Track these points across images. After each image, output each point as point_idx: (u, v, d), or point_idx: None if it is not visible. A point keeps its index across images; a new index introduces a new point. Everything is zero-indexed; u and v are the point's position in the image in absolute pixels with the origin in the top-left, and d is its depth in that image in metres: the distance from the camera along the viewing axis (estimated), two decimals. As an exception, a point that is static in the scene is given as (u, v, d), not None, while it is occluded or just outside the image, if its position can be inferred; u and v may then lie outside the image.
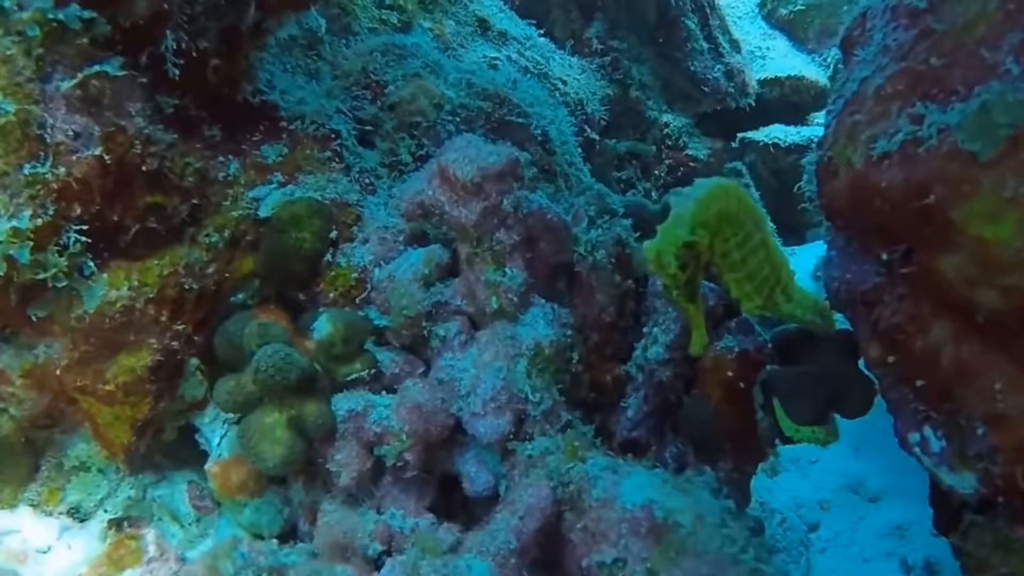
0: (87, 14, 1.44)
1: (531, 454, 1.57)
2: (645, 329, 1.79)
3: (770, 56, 4.69)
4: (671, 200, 1.41)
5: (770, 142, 4.31)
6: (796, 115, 4.64)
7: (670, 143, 4.35)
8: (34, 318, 1.53)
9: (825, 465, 3.42)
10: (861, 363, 1.68)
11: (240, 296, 1.76)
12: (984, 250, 1.29)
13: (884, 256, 1.49)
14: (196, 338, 1.70)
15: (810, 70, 4.67)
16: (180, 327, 1.66)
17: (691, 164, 4.44)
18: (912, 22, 1.53)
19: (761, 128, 4.41)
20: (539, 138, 2.10)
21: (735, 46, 4.15)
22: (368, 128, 1.98)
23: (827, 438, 1.72)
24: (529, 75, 3.18)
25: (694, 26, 3.88)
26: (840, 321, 1.76)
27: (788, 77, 4.55)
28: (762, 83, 4.45)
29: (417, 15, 2.83)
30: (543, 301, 1.70)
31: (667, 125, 4.16)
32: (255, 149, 1.79)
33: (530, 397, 1.60)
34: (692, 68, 3.94)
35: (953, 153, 1.32)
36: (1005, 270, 1.28)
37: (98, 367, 1.59)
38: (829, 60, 4.74)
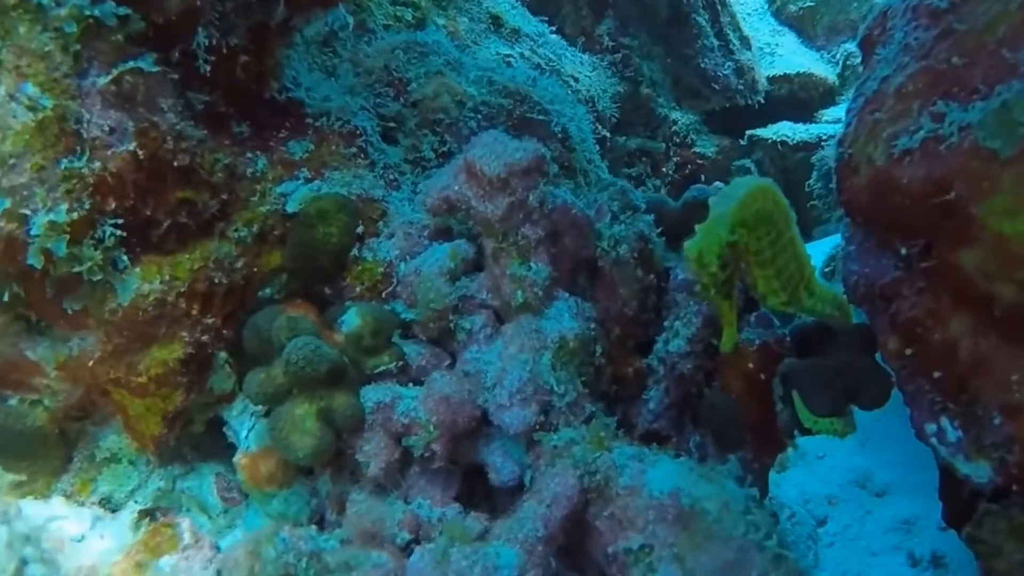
0: (122, 10, 1.48)
1: (556, 444, 1.61)
2: (666, 323, 1.83)
3: (779, 53, 4.73)
4: (711, 200, 1.45)
5: (778, 140, 4.36)
6: (804, 112, 4.69)
7: (678, 140, 4.39)
8: (69, 311, 1.57)
9: (832, 460, 3.46)
10: (878, 356, 1.73)
11: (268, 291, 1.80)
12: (1003, 245, 1.34)
13: (903, 251, 1.53)
14: (225, 332, 1.74)
15: (819, 67, 4.72)
16: (210, 321, 1.70)
17: (699, 162, 4.48)
18: (933, 22, 1.57)
19: (769, 126, 4.46)
20: (559, 135, 2.14)
21: (745, 43, 4.20)
22: (391, 125, 2.01)
23: (845, 429, 1.76)
24: (542, 72, 3.22)
25: (705, 23, 3.92)
26: (857, 315, 1.80)
27: (797, 74, 4.60)
28: (771, 80, 4.50)
29: (431, 12, 2.87)
30: (567, 295, 1.74)
31: (675, 123, 4.20)
32: (282, 145, 1.82)
33: (555, 389, 1.64)
34: (702, 65, 3.98)
35: (974, 150, 1.37)
36: (1022, 264, 1.32)
37: (131, 360, 1.63)
38: (838, 57, 4.79)
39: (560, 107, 2.18)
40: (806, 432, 1.76)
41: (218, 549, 1.66)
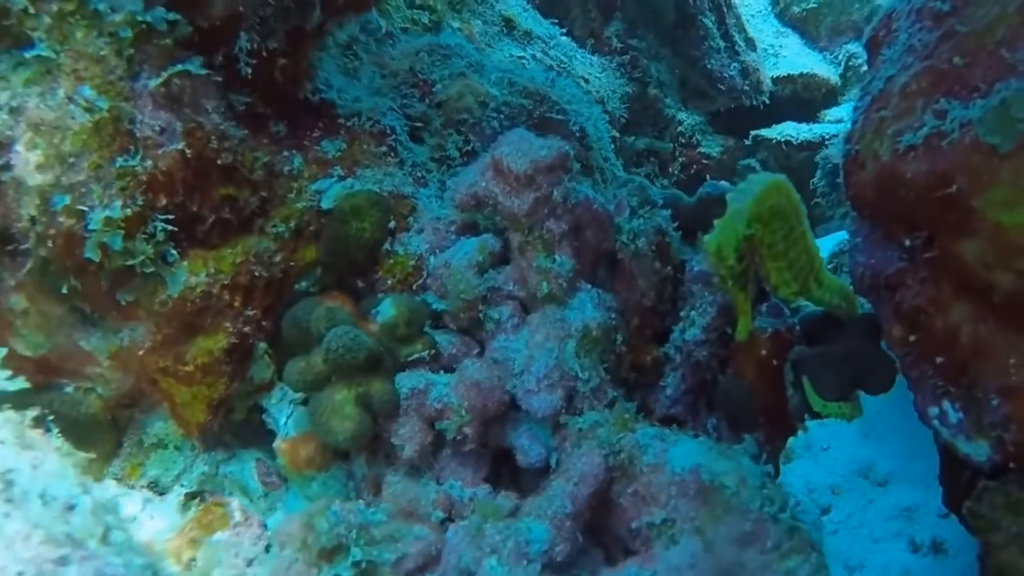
0: (172, 16, 1.58)
1: (581, 427, 1.71)
2: (683, 313, 1.93)
3: (783, 54, 4.83)
4: (728, 196, 1.55)
5: (782, 140, 4.45)
6: (808, 112, 4.78)
7: (683, 140, 4.48)
8: (123, 302, 1.66)
9: (836, 452, 3.55)
10: (883, 343, 1.83)
11: (303, 283, 1.89)
12: (1002, 235, 1.43)
13: (907, 242, 1.63)
14: (264, 323, 1.83)
15: (822, 67, 4.81)
16: (251, 312, 1.79)
17: (704, 161, 4.57)
18: (936, 24, 1.67)
19: (773, 126, 4.55)
20: (577, 134, 2.23)
21: (750, 44, 4.29)
22: (418, 125, 2.11)
23: (852, 413, 1.86)
24: (556, 74, 3.32)
25: (711, 25, 4.02)
26: (863, 305, 1.90)
27: (800, 75, 4.69)
28: (775, 80, 4.59)
29: (446, 15, 2.96)
30: (589, 286, 1.84)
31: (681, 123, 4.29)
32: (316, 144, 1.92)
33: (579, 375, 1.74)
34: (709, 66, 4.08)
35: (974, 146, 1.46)
36: (1021, 254, 1.41)
37: (178, 349, 1.73)
38: (840, 58, 4.89)
39: (578, 107, 2.27)
40: (815, 416, 1.86)
41: (265, 527, 1.76)
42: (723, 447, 1.64)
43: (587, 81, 3.54)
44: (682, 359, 1.91)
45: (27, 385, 1.52)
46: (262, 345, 1.84)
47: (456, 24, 3.05)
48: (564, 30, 3.66)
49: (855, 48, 4.82)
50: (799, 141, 4.44)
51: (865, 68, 4.56)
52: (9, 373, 1.19)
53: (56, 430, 1.68)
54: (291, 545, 1.48)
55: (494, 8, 3.29)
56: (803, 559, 1.48)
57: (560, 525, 1.58)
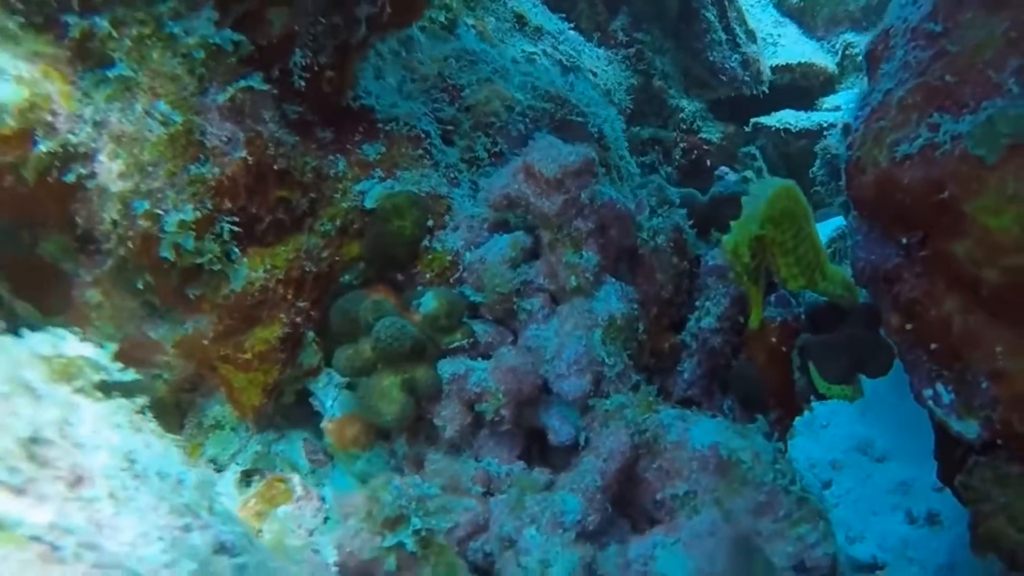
0: (237, 37, 1.75)
1: (608, 408, 1.90)
2: (698, 303, 2.12)
3: (781, 43, 4.99)
4: (743, 200, 1.74)
5: (781, 127, 4.62)
6: (806, 99, 4.95)
7: (684, 127, 4.65)
8: (191, 296, 1.85)
9: (835, 429, 3.75)
10: (882, 331, 2.03)
11: (347, 277, 2.07)
12: (989, 237, 1.62)
13: (904, 241, 1.81)
14: (313, 313, 2.02)
15: (819, 56, 4.98)
16: (302, 304, 1.98)
17: (704, 147, 4.74)
18: (929, 43, 1.85)
19: (772, 114, 4.72)
20: (595, 135, 2.42)
21: (751, 36, 4.46)
22: (449, 128, 2.28)
23: (854, 395, 2.06)
24: (563, 68, 3.49)
25: (713, 18, 4.19)
26: (863, 296, 2.10)
27: (799, 64, 4.86)
28: (774, 69, 4.75)
29: (461, 13, 3.13)
30: (613, 280, 2.03)
31: (682, 110, 4.47)
32: (357, 148, 2.10)
33: (606, 361, 1.94)
34: (711, 58, 4.25)
35: (964, 157, 1.65)
36: (1006, 253, 1.60)
37: (238, 339, 1.91)
38: (837, 47, 5.05)
39: (595, 109, 2.46)
40: (820, 397, 2.06)
41: (323, 500, 1.95)
42: (739, 426, 1.84)
43: (595, 75, 3.71)
44: (698, 346, 2.11)
45: (138, 376, 1.71)
46: (310, 334, 2.03)
47: (471, 21, 3.21)
48: (571, 24, 3.82)
49: (852, 37, 4.98)
50: (797, 129, 4.61)
51: (861, 58, 4.74)
52: (121, 365, 1.36)
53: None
54: (355, 516, 1.67)
55: (506, 5, 3.46)
56: (812, 527, 1.68)
57: (591, 497, 1.77)
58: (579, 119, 2.40)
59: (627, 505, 1.86)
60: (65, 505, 1.02)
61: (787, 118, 4.68)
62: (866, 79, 2.20)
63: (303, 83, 1.90)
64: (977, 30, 1.77)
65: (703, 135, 4.73)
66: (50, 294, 1.88)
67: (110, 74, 1.68)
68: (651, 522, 1.82)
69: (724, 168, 4.43)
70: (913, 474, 3.44)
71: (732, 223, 1.79)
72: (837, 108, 4.76)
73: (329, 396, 2.05)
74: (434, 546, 1.65)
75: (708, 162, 4.68)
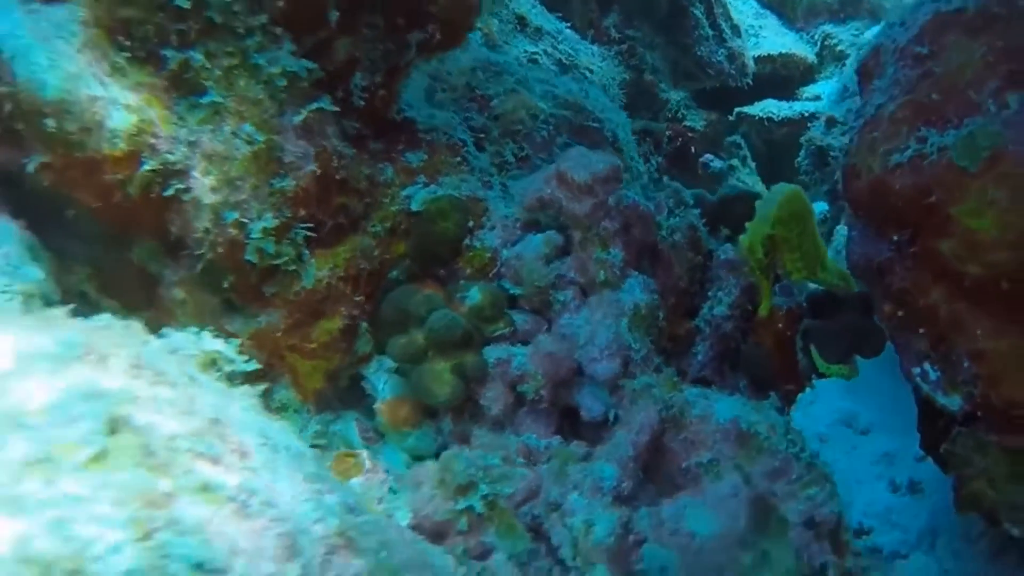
0: (310, 65, 2.02)
1: (635, 388, 2.20)
2: (710, 293, 2.43)
3: (762, 34, 5.31)
4: (757, 203, 2.04)
5: (764, 116, 4.96)
6: (786, 88, 5.29)
7: (669, 115, 4.96)
8: (267, 294, 2.12)
9: (822, 405, 4.04)
10: (875, 318, 2.34)
11: (395, 273, 2.35)
12: (971, 236, 1.92)
13: (895, 238, 2.11)
14: (366, 307, 2.29)
15: (798, 46, 5.31)
16: (358, 298, 2.25)
17: (689, 134, 5.05)
18: (917, 63, 2.15)
19: (755, 103, 5.05)
20: (610, 139, 2.70)
21: (736, 31, 4.77)
22: (480, 136, 2.56)
23: (850, 373, 2.38)
24: (563, 67, 3.78)
25: (701, 14, 4.49)
26: (858, 286, 2.42)
27: (780, 54, 5.19)
28: (756, 60, 5.08)
29: (469, 17, 3.39)
30: (636, 273, 2.32)
31: (668, 100, 4.78)
32: (402, 157, 2.37)
33: (633, 346, 2.23)
34: (699, 53, 4.56)
35: (949, 166, 1.95)
36: (985, 250, 1.90)
37: (305, 330, 2.19)
38: (816, 38, 5.39)
39: (609, 115, 2.75)
40: (820, 375, 2.38)
41: (387, 472, 2.23)
42: (755, 403, 2.15)
43: (592, 71, 3.99)
44: (711, 331, 2.41)
45: (259, 366, 1.97)
46: (364, 324, 2.31)
47: (477, 24, 3.48)
48: (568, 23, 4.10)
49: (830, 28, 5.31)
50: (779, 118, 4.94)
51: (840, 48, 5.07)
52: (246, 357, 1.62)
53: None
54: (429, 484, 1.96)
55: (508, 7, 3.73)
56: (820, 488, 2.00)
57: (625, 466, 2.07)
58: (595, 125, 2.68)
59: (656, 473, 2.16)
60: (243, 472, 1.30)
61: (769, 107, 5.01)
62: (858, 89, 2.51)
63: (362, 102, 2.17)
64: (959, 53, 2.07)
65: (687, 123, 5.04)
66: (136, 293, 2.14)
67: (203, 100, 1.94)
68: (676, 488, 2.11)
69: (709, 155, 4.75)
70: (895, 446, 3.72)
71: (747, 224, 2.10)
72: (817, 97, 5.09)
73: (380, 380, 2.32)
74: (498, 509, 1.94)
75: (692, 149, 4.98)
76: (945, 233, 1.97)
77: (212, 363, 1.53)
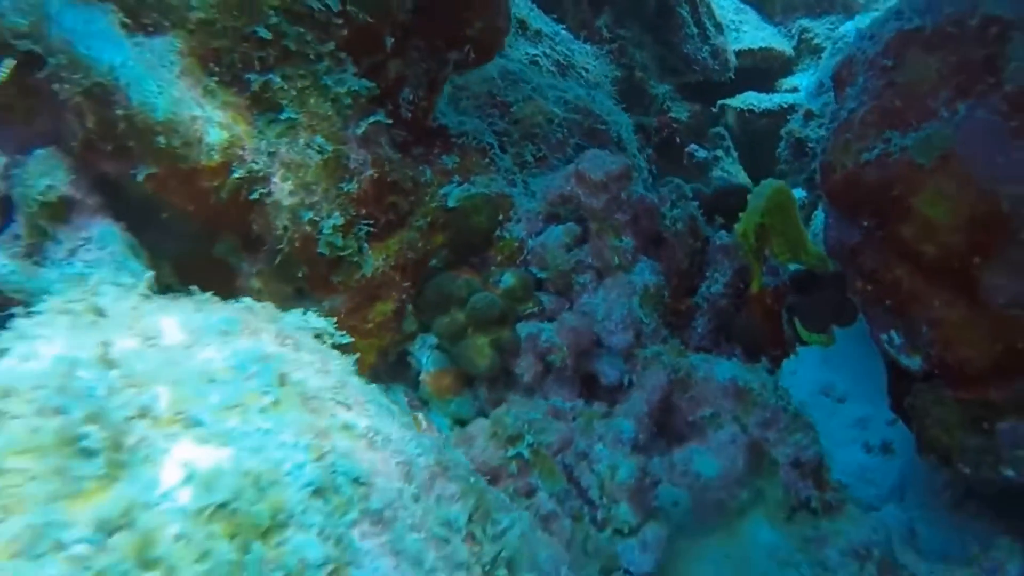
0: (370, 83, 2.44)
1: (647, 356, 2.64)
2: (708, 274, 2.87)
3: (743, 29, 5.76)
4: (748, 197, 2.48)
5: (745, 108, 5.41)
6: (765, 80, 5.74)
7: (655, 108, 5.40)
8: (334, 281, 2.54)
9: (802, 375, 4.45)
10: (848, 293, 2.79)
11: (434, 261, 2.77)
12: (927, 222, 2.34)
13: (865, 224, 2.53)
14: (412, 291, 2.72)
15: (777, 40, 5.76)
16: (406, 284, 2.68)
17: (674, 125, 5.49)
18: (883, 74, 2.57)
19: (737, 95, 5.50)
20: (615, 139, 3.14)
21: (719, 28, 5.21)
22: (503, 139, 2.99)
23: (828, 340, 2.83)
24: (561, 67, 4.20)
25: (686, 14, 4.93)
26: (834, 265, 2.87)
27: (759, 48, 5.64)
28: (737, 53, 5.52)
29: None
30: (645, 258, 2.76)
31: (657, 95, 5.22)
32: (439, 159, 2.79)
33: (643, 320, 2.67)
34: (685, 50, 5.00)
35: (909, 163, 2.37)
36: (939, 234, 2.34)
37: (363, 312, 2.61)
38: (793, 32, 5.85)
39: (614, 118, 3.19)
40: (803, 343, 2.83)
41: (439, 430, 2.66)
42: (749, 365, 2.60)
43: (587, 71, 4.41)
44: (708, 306, 2.86)
45: (352, 339, 2.40)
46: (410, 306, 2.74)
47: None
48: (564, 25, 4.52)
49: (806, 23, 5.77)
50: (760, 110, 5.40)
51: (816, 41, 5.51)
52: (343, 332, 2.04)
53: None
54: (482, 437, 2.39)
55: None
56: (804, 435, 2.45)
57: (641, 421, 2.51)
58: (602, 127, 3.12)
59: (666, 426, 2.60)
60: (367, 417, 1.73)
61: (750, 99, 5.46)
62: (833, 92, 2.95)
63: (408, 114, 2.59)
64: (917, 66, 2.49)
65: (672, 114, 5.48)
66: (215, 284, 2.55)
67: (280, 117, 2.35)
68: (684, 438, 2.56)
69: (694, 145, 5.20)
70: (869, 412, 4.08)
71: (740, 215, 2.54)
72: (794, 89, 5.55)
73: (424, 355, 2.75)
74: (540, 456, 2.38)
75: (677, 139, 5.43)
76: (906, 220, 2.37)
77: (318, 336, 1.95)
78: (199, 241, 2.50)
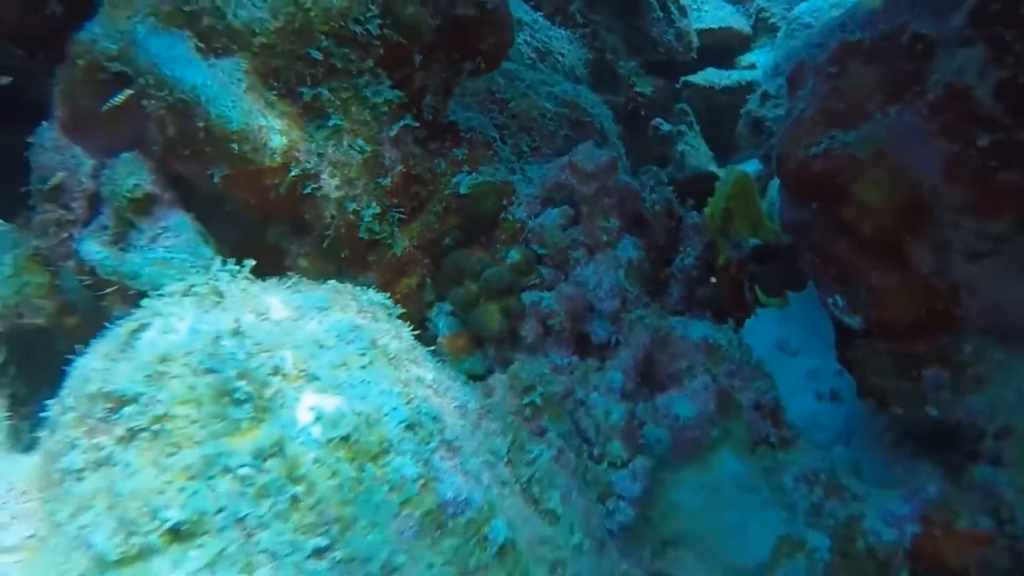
0: (400, 93, 2.98)
1: (632, 319, 3.22)
2: (681, 248, 3.46)
3: (704, 8, 6.34)
4: (716, 184, 3.06)
5: (707, 84, 6.00)
6: (726, 58, 6.32)
7: (624, 86, 5.96)
8: (370, 260, 3.08)
9: (761, 333, 5.03)
10: (800, 264, 3.39)
11: (448, 240, 3.33)
12: (865, 206, 2.94)
13: (814, 207, 3.13)
14: (431, 266, 3.28)
15: (736, 19, 6.34)
16: (427, 260, 3.24)
17: (639, 100, 6.06)
18: (828, 80, 3.14)
19: (699, 72, 6.08)
20: (599, 130, 3.71)
21: (682, 11, 5.77)
22: (503, 131, 3.54)
23: (783, 303, 3.44)
24: (540, 53, 4.75)
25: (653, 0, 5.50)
26: (788, 240, 3.46)
27: (720, 28, 6.22)
28: (699, 33, 6.10)
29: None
30: (628, 235, 3.34)
31: (626, 76, 5.78)
32: (450, 152, 3.34)
33: (629, 289, 3.25)
34: (652, 34, 5.56)
35: (851, 157, 2.94)
36: (874, 216, 2.94)
37: (393, 286, 3.16)
38: (751, 11, 6.43)
39: (597, 110, 3.75)
40: (762, 306, 3.44)
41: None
42: (717, 326, 3.20)
43: (563, 55, 4.97)
44: (682, 277, 3.45)
45: (403, 310, 2.94)
46: (429, 280, 3.30)
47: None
48: (541, 12, 5.06)
49: (763, 3, 6.35)
50: (720, 86, 5.99)
51: (772, 21, 6.07)
52: (400, 306, 2.59)
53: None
54: (500, 388, 2.97)
55: (494, 3, 4.67)
56: (763, 383, 3.05)
57: (628, 373, 3.09)
58: (588, 119, 3.69)
59: (649, 377, 3.18)
60: (430, 372, 2.30)
61: (711, 76, 6.04)
62: (787, 91, 3.52)
63: (429, 116, 3.14)
64: (857, 75, 3.07)
65: (637, 89, 6.04)
66: (267, 265, 3.09)
67: (328, 123, 2.89)
68: (665, 387, 3.14)
69: (659, 119, 5.77)
70: (819, 364, 4.61)
71: (709, 199, 3.13)
72: (752, 66, 6.13)
73: (441, 321, 3.32)
74: (549, 403, 2.96)
75: (643, 112, 6.00)
76: (847, 203, 2.87)
77: (387, 310, 2.51)
78: (255, 229, 3.03)
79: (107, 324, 2.27)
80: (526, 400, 2.91)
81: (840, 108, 3.04)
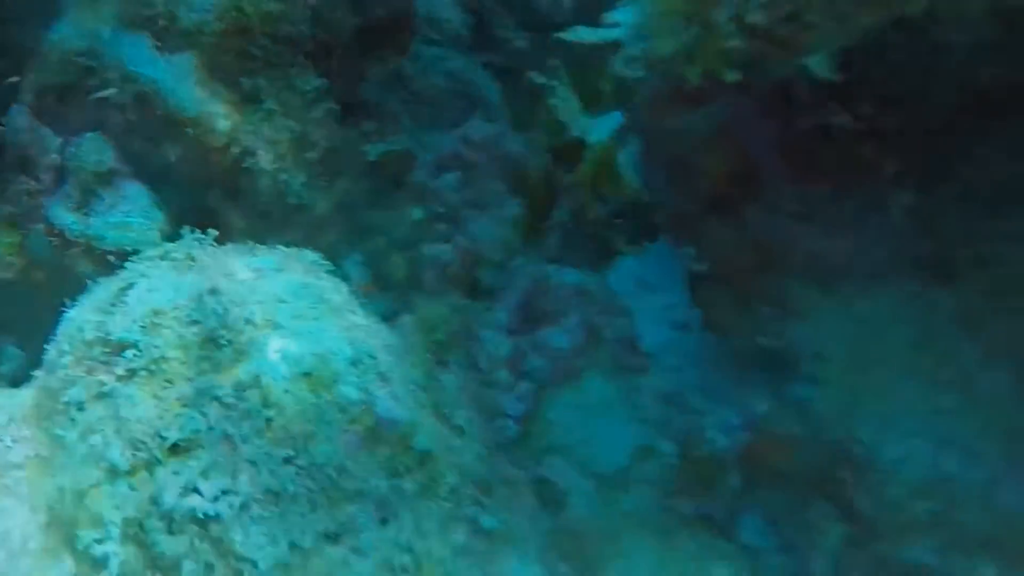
0: (325, 82, 3.58)
1: (515, 266, 3.92)
2: (558, 205, 4.16)
3: (574, -33, 6.97)
4: (585, 152, 3.78)
5: (576, 40, 6.64)
6: (593, 14, 6.97)
7: (502, 47, 6.57)
8: (296, 221, 3.70)
9: (622, 274, 5.89)
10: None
11: (360, 201, 3.97)
12: (710, 173, 3.71)
13: (668, 172, 3.89)
14: (346, 223, 3.92)
15: (603, -21, 7.00)
16: (342, 219, 3.87)
17: (516, 57, 6.68)
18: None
19: (568, 29, 6.72)
20: (486, 102, 4.36)
21: (556, -27, 6.41)
22: (407, 107, 4.17)
23: (641, 251, 4.18)
24: (430, 21, 5.34)
25: (529, -29, 6.11)
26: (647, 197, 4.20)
27: (588, -12, 6.86)
28: (568, -7, 6.74)
29: None
30: (512, 196, 4.02)
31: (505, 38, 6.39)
32: (362, 126, 3.96)
33: (513, 241, 3.95)
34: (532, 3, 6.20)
35: (699, 132, 3.72)
36: (718, 182, 3.70)
37: (315, 241, 3.79)
38: (616, -29, 7.09)
39: (484, 83, 4.40)
40: (624, 255, 4.18)
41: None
42: (587, 272, 3.92)
43: (449, 21, 5.56)
44: (559, 230, 4.16)
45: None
46: (344, 235, 3.93)
47: None
48: (429, -21, 5.63)
49: (628, -37, 7.00)
50: (589, 43, 6.64)
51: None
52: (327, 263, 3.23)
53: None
54: (410, 328, 3.64)
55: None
56: (625, 319, 3.80)
57: (513, 313, 3.79)
58: (477, 92, 4.34)
59: (531, 317, 3.89)
60: (361, 317, 2.96)
61: (581, 34, 6.68)
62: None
63: (348, 99, 3.76)
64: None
65: (515, 45, 6.66)
66: (208, 223, 3.69)
67: (263, 107, 3.48)
68: (544, 324, 3.84)
69: (533, 72, 6.39)
70: (673, 300, 5.60)
71: (579, 164, 3.84)
72: (616, 24, 6.78)
73: (353, 270, 3.96)
74: (451, 339, 3.65)
75: (519, 68, 6.61)
76: (696, 170, 3.73)
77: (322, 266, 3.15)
78: (197, 194, 3.62)
79: (72, 279, 2.88)
80: (432, 338, 3.59)
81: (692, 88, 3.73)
